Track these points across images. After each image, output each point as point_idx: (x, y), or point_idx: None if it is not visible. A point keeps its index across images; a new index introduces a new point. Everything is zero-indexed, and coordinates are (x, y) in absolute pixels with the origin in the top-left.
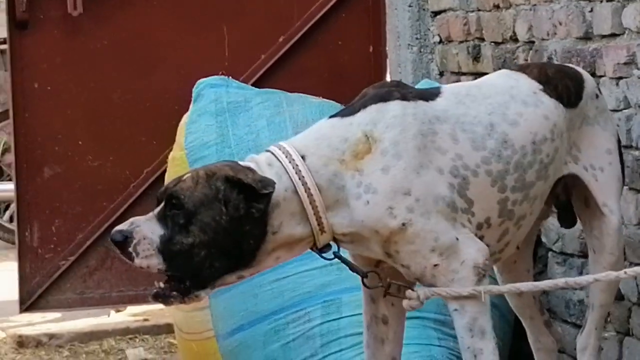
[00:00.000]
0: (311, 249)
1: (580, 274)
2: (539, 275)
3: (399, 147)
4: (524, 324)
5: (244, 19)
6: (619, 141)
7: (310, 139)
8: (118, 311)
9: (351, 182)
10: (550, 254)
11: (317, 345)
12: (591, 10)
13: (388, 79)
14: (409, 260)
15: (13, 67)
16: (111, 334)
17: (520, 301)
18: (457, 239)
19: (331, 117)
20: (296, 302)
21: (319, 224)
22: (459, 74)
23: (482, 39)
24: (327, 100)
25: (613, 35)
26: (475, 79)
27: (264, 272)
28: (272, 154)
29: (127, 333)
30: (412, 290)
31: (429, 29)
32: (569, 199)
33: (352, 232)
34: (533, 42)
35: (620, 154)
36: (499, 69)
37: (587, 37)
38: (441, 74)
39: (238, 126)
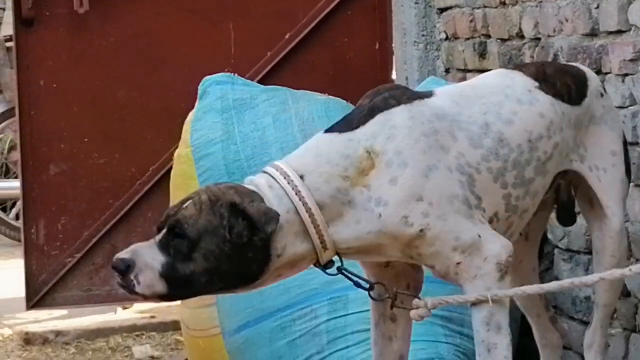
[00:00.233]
0: (315, 265)
1: (587, 270)
2: (545, 272)
3: (403, 155)
4: (529, 321)
5: (249, 16)
6: (625, 142)
7: (308, 157)
8: (124, 308)
9: (360, 197)
10: (556, 250)
11: (323, 342)
12: (597, 7)
13: (394, 76)
14: (433, 260)
15: (19, 64)
16: (118, 331)
17: (526, 299)
18: (479, 235)
19: (327, 131)
20: (302, 299)
21: (321, 242)
22: (465, 71)
23: (488, 36)
24: (333, 97)
25: (619, 32)
26: None
27: None
28: (271, 175)
29: (133, 330)
30: (419, 298)
31: (435, 26)
32: (570, 198)
33: (358, 246)
34: (539, 39)
35: (626, 155)
36: (505, 65)
37: (593, 33)
38: (447, 70)
39: (244, 123)
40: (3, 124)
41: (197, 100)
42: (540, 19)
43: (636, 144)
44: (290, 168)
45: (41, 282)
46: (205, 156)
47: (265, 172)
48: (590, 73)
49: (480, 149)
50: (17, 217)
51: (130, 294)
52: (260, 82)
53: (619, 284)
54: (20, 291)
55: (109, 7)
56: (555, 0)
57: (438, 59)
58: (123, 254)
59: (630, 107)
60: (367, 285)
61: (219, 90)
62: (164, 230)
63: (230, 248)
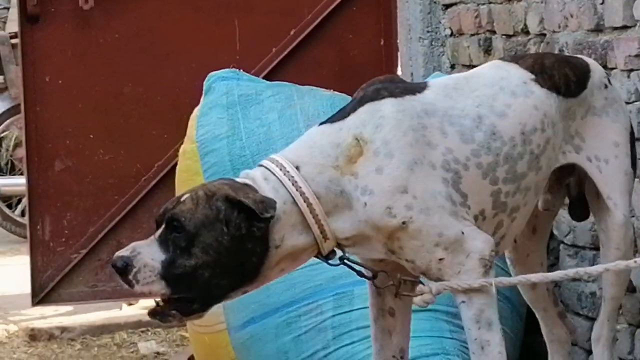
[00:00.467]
0: (316, 256)
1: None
2: (551, 267)
3: (390, 146)
4: (537, 316)
5: (255, 13)
6: (632, 134)
7: (303, 148)
8: (130, 304)
9: (349, 186)
10: (561, 246)
11: (329, 337)
12: (602, 3)
13: (399, 72)
14: (413, 255)
15: (24, 61)
16: (123, 327)
17: (533, 294)
18: (463, 232)
19: (322, 124)
20: (308, 294)
21: (321, 232)
22: (470, 67)
23: (493, 32)
24: (338, 93)
25: (624, 28)
26: None
27: None
28: (266, 168)
29: (139, 326)
30: (423, 284)
31: (440, 22)
32: (582, 191)
33: (354, 236)
34: (544, 35)
35: (633, 147)
36: None
37: (598, 29)
38: (452, 66)
39: (249, 119)
40: (8, 121)
41: (203, 96)
42: (546, 15)
43: None
44: (286, 160)
45: (47, 279)
46: (210, 152)
47: (261, 165)
48: (594, 65)
49: (471, 144)
50: (22, 214)
51: (131, 289)
52: (266, 78)
53: (625, 277)
54: (26, 287)
55: (114, 4)
56: None
57: (443, 55)
58: (122, 252)
59: (636, 103)
60: (371, 274)
61: (224, 86)
62: (163, 226)
63: (228, 240)
